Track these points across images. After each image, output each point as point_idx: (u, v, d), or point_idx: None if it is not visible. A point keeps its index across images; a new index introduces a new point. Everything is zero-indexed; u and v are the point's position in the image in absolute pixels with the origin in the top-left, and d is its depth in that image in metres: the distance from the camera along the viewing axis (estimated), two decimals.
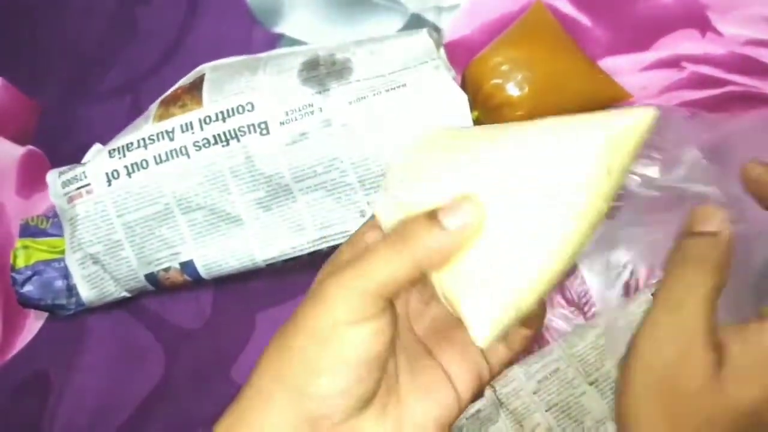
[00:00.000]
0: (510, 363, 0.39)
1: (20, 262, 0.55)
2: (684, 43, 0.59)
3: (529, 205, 0.31)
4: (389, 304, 0.33)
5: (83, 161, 0.55)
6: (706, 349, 0.32)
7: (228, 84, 0.52)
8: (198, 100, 0.52)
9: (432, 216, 0.31)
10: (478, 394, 0.39)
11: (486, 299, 0.32)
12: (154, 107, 0.54)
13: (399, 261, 0.32)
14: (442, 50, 0.54)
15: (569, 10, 0.61)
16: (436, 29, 0.62)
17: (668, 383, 0.32)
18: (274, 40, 0.64)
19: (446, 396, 0.36)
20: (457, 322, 0.33)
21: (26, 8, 0.69)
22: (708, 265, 0.33)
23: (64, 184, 0.53)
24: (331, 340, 0.32)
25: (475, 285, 0.32)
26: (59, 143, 0.64)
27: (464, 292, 0.33)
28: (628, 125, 0.31)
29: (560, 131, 0.32)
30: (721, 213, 0.35)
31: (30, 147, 0.65)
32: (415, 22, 0.63)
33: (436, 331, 0.37)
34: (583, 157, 0.31)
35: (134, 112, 0.64)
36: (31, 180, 0.64)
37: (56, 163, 0.62)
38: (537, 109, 0.55)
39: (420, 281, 0.33)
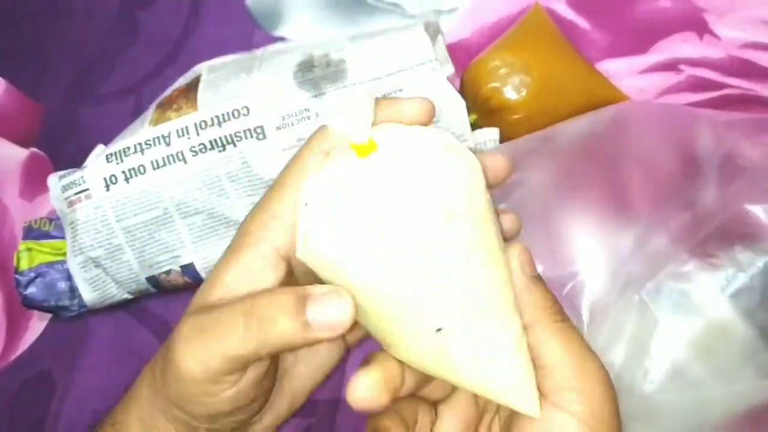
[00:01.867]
0: None
1: (24, 264, 0.56)
2: (682, 46, 0.59)
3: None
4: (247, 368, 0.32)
5: (86, 163, 0.55)
6: None
7: (223, 86, 0.52)
8: (193, 103, 0.52)
9: (299, 303, 0.29)
10: None
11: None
12: (150, 111, 0.54)
13: (251, 342, 0.30)
14: (441, 41, 0.54)
15: (567, 13, 0.61)
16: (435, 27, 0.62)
17: None
18: (274, 43, 0.65)
19: (337, 349, 0.37)
20: None
21: (29, 11, 0.69)
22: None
23: (64, 189, 0.53)
24: (203, 401, 0.32)
25: None
26: (62, 145, 0.65)
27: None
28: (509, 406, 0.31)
29: None
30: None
31: (33, 149, 0.65)
32: None
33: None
34: None
35: (136, 114, 0.64)
36: (34, 182, 0.64)
37: (59, 165, 0.63)
38: (535, 112, 0.55)
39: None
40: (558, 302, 0.33)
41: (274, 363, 0.33)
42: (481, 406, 0.35)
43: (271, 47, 0.56)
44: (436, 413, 0.35)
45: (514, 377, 0.31)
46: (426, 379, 0.33)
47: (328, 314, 0.29)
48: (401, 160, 0.30)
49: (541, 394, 0.32)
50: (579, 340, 0.32)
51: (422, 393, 0.34)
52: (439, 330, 0.29)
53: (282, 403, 0.36)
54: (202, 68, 0.55)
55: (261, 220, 0.33)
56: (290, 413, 0.37)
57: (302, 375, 0.36)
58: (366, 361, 0.31)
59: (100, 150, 0.56)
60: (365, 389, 0.30)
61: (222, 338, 0.30)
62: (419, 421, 0.34)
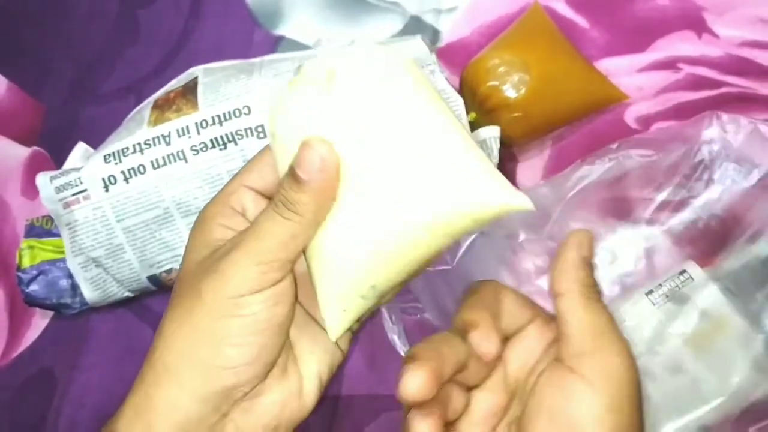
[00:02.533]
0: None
1: (26, 262, 0.56)
2: (680, 44, 0.59)
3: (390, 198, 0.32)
4: (288, 269, 0.34)
5: (69, 162, 0.55)
6: None
7: (223, 88, 0.52)
8: (193, 104, 0.52)
9: (293, 174, 0.32)
10: None
11: (339, 291, 0.34)
12: (147, 111, 0.54)
13: (289, 226, 0.33)
14: (434, 56, 0.55)
15: (566, 11, 0.61)
16: (433, 31, 0.63)
17: None
18: (275, 42, 0.65)
19: (330, 344, 0.37)
20: None
21: (31, 10, 0.70)
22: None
23: (58, 190, 0.53)
24: (234, 313, 0.33)
25: (329, 269, 0.34)
26: (63, 144, 0.65)
27: (320, 274, 0.34)
28: (504, 209, 0.32)
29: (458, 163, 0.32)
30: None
31: (35, 148, 0.66)
32: (414, 23, 0.63)
33: (304, 284, 0.38)
34: (451, 201, 0.32)
35: None
36: (36, 181, 0.64)
37: (60, 164, 0.63)
38: (533, 110, 0.55)
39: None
40: (598, 287, 0.36)
41: (292, 297, 0.35)
42: (510, 391, 0.37)
43: (269, 56, 0.57)
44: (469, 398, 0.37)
45: (484, 176, 0.32)
46: (461, 365, 0.35)
47: (314, 160, 0.32)
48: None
49: (560, 360, 0.35)
50: (604, 316, 0.35)
51: (459, 379, 0.36)
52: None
53: (288, 384, 0.36)
54: (198, 71, 0.56)
55: (218, 206, 0.37)
56: (302, 409, 0.37)
57: (304, 358, 0.37)
58: (412, 357, 0.33)
59: (81, 147, 0.56)
60: (417, 385, 0.32)
61: (268, 236, 0.33)
62: (453, 401, 0.36)
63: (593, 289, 0.36)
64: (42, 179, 0.53)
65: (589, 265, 0.36)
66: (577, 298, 0.35)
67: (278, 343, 0.35)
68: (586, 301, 0.35)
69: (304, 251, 0.35)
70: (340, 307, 0.34)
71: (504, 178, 0.32)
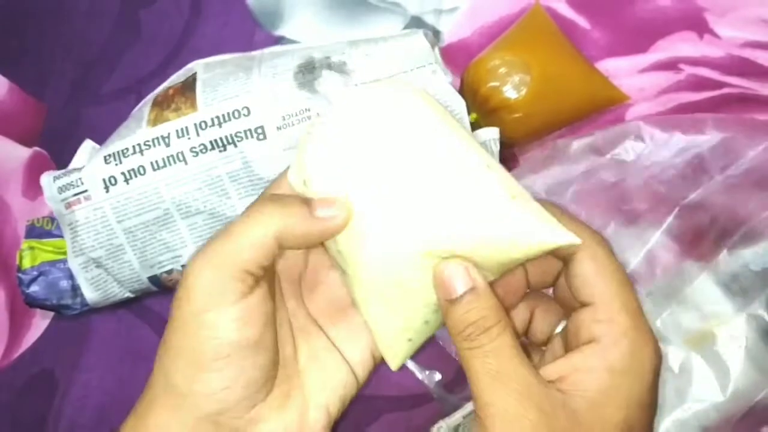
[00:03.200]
0: None
1: (26, 263, 0.56)
2: (682, 45, 0.59)
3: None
4: (257, 281, 0.31)
5: (76, 160, 0.55)
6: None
7: (222, 86, 0.52)
8: (192, 103, 0.52)
9: (305, 200, 0.32)
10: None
11: (400, 325, 0.33)
12: (146, 109, 0.53)
13: (260, 228, 0.31)
14: (437, 52, 0.54)
15: (567, 12, 0.61)
16: (434, 32, 0.63)
17: None
18: (275, 43, 0.65)
19: (344, 374, 0.35)
20: (348, 300, 0.35)
21: (31, 10, 0.70)
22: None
23: (61, 190, 0.53)
24: (201, 334, 0.30)
25: (387, 306, 0.33)
26: (64, 144, 0.65)
27: (376, 313, 0.33)
28: (549, 248, 0.31)
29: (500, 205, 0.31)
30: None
31: (36, 148, 0.66)
32: (415, 24, 0.63)
33: (329, 309, 0.37)
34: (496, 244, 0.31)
35: None
36: (36, 181, 0.64)
37: (62, 164, 0.63)
38: (534, 111, 0.55)
39: (280, 257, 0.33)
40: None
41: (270, 303, 0.33)
42: None
43: (268, 50, 0.56)
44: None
45: (530, 218, 0.31)
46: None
47: (330, 210, 0.31)
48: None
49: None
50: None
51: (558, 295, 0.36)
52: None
53: (290, 413, 0.34)
54: (197, 66, 0.55)
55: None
56: None
57: (311, 387, 0.35)
58: None
59: (88, 145, 0.56)
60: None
61: (236, 239, 0.31)
62: (537, 318, 0.37)
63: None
64: (45, 179, 0.54)
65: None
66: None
67: (257, 365, 0.32)
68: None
69: (351, 296, 0.34)
70: (404, 337, 0.34)
71: (546, 215, 0.32)
